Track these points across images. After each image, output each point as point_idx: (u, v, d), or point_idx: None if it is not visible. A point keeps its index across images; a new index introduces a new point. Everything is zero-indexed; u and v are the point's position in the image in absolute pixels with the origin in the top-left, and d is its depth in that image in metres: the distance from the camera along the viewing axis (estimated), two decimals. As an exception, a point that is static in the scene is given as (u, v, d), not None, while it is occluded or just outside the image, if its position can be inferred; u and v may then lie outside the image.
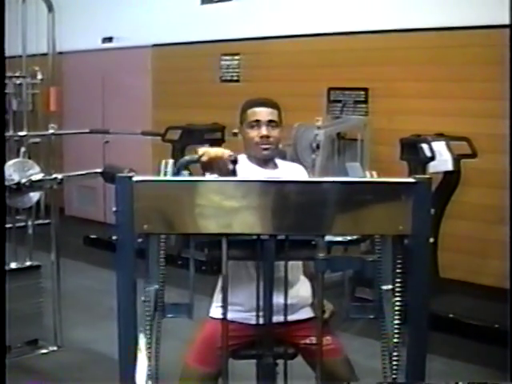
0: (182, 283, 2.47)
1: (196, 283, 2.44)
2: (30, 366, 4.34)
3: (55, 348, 4.66)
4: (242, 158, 2.88)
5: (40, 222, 4.78)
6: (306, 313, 2.85)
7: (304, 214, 1.89)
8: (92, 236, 7.95)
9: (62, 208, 8.72)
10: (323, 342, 2.33)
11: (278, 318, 2.40)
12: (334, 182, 1.92)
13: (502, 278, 5.53)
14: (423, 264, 1.91)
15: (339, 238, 2.19)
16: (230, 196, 1.88)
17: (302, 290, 2.89)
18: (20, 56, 4.70)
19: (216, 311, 2.80)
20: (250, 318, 2.59)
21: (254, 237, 2.13)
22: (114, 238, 1.86)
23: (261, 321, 2.36)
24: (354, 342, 4.37)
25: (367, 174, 2.40)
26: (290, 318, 2.65)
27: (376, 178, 2.20)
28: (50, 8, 4.20)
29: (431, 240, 1.89)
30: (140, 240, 1.92)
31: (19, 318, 4.25)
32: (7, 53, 4.63)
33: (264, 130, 2.84)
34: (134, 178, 1.84)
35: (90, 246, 7.83)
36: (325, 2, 6.78)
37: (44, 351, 4.61)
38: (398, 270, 1.98)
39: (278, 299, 2.36)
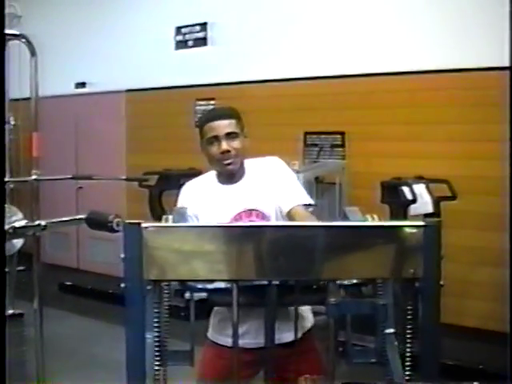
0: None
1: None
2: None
3: (37, 397, 4.56)
4: (211, 173, 2.90)
5: (21, 268, 4.70)
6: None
7: (315, 259, 1.87)
8: (67, 283, 7.86)
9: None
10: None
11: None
12: (343, 226, 1.92)
13: (484, 319, 5.56)
14: (434, 307, 1.92)
15: (345, 282, 2.17)
16: (235, 241, 1.86)
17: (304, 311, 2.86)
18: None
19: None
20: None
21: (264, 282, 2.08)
22: (123, 285, 1.83)
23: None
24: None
25: (368, 217, 2.38)
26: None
27: (386, 222, 2.18)
28: (33, 52, 4.16)
29: (441, 283, 1.90)
30: (149, 287, 1.88)
31: (2, 368, 4.14)
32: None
33: (224, 145, 2.75)
34: (143, 225, 1.82)
35: (66, 292, 7.75)
36: (299, 47, 6.83)
37: (26, 401, 4.50)
38: (408, 315, 1.98)
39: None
